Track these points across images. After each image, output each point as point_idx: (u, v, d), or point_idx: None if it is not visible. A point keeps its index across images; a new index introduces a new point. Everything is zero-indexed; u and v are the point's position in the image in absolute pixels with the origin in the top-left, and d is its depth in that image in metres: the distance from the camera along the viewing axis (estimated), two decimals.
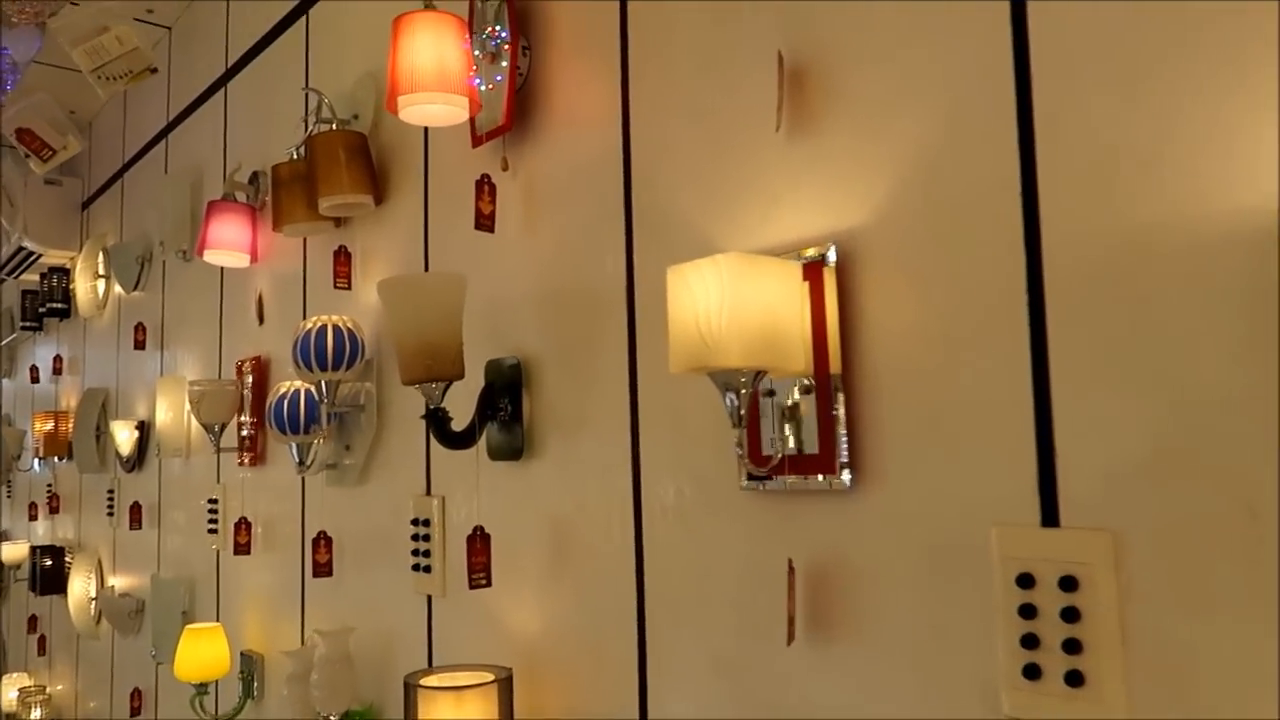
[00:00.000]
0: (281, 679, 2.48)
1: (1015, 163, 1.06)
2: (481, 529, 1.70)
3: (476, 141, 1.84)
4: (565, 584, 1.65)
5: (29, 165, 3.82)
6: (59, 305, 4.77)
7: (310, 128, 2.29)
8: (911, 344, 1.15)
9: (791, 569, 1.23)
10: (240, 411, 2.79)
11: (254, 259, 2.79)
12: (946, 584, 1.10)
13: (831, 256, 1.23)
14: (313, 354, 2.09)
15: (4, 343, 6.13)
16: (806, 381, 1.25)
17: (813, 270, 1.24)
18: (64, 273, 4.78)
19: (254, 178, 2.86)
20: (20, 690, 4.86)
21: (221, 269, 3.08)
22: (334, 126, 2.20)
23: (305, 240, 2.59)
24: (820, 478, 1.22)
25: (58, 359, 4.97)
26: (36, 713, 4.66)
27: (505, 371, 1.77)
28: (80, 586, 4.16)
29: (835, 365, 1.22)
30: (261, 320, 2.81)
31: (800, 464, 1.25)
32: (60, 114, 3.03)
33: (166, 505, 3.48)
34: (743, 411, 1.18)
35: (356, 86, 2.31)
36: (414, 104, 1.68)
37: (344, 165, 2.15)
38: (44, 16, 3.29)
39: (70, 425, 4.67)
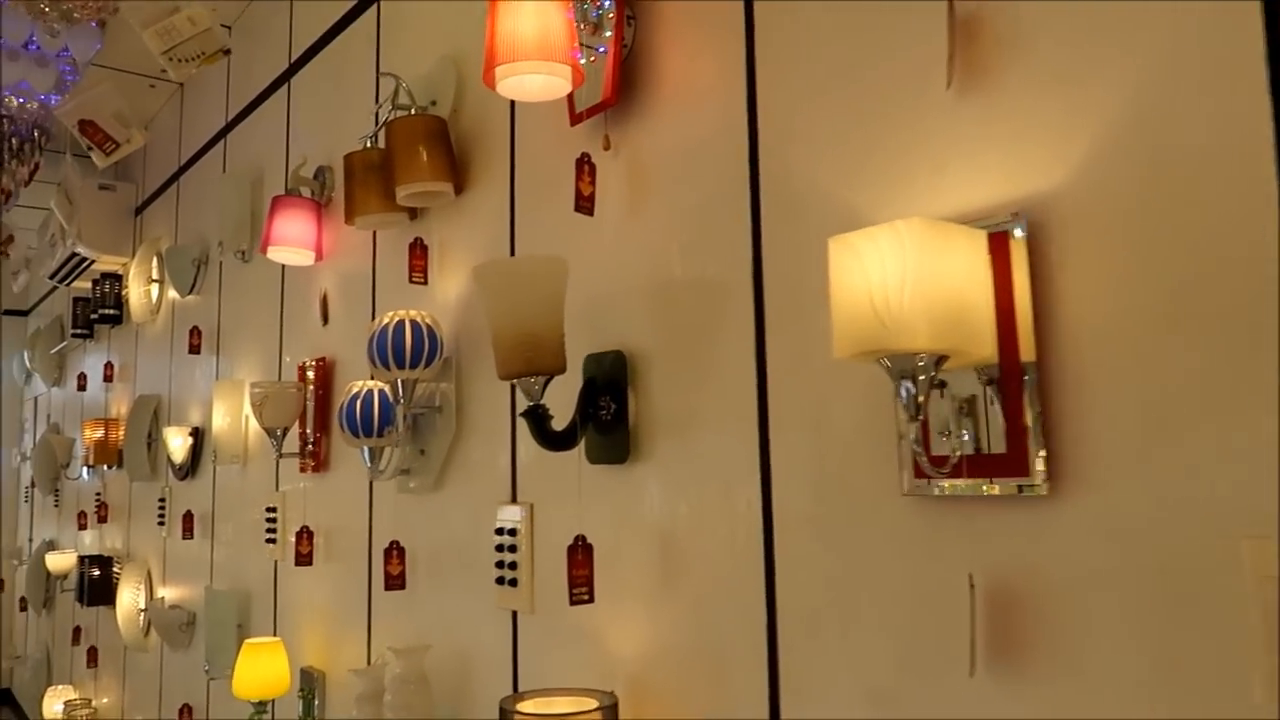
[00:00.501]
0: (345, 698, 2.34)
1: (1266, 106, 0.89)
2: (583, 539, 1.55)
3: (575, 119, 1.70)
4: (677, 601, 1.49)
5: (88, 163, 3.75)
6: (111, 311, 4.71)
7: (387, 114, 2.17)
8: (1127, 327, 0.98)
9: (973, 587, 1.07)
10: (303, 415, 2.66)
11: (319, 256, 2.67)
12: (1180, 608, 0.92)
13: (1019, 228, 1.07)
14: (390, 350, 1.96)
15: (54, 351, 6.10)
16: (986, 371, 1.08)
17: (997, 243, 1.08)
18: (116, 279, 4.72)
19: (319, 173, 2.74)
20: (66, 703, 4.77)
21: (283, 268, 2.97)
22: (412, 111, 2.07)
23: (375, 235, 2.47)
24: (1009, 482, 1.05)
25: (109, 366, 4.91)
26: None
27: (607, 367, 1.62)
28: (129, 598, 4.06)
29: (1026, 351, 1.05)
30: (326, 320, 2.69)
31: (981, 465, 1.08)
32: (124, 106, 2.95)
33: (221, 514, 3.36)
34: (921, 400, 1.02)
35: (435, 71, 2.19)
36: (514, 74, 1.54)
37: (423, 152, 2.02)
38: (106, 13, 3.22)
39: (121, 433, 4.59)
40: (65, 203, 3.64)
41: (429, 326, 2.00)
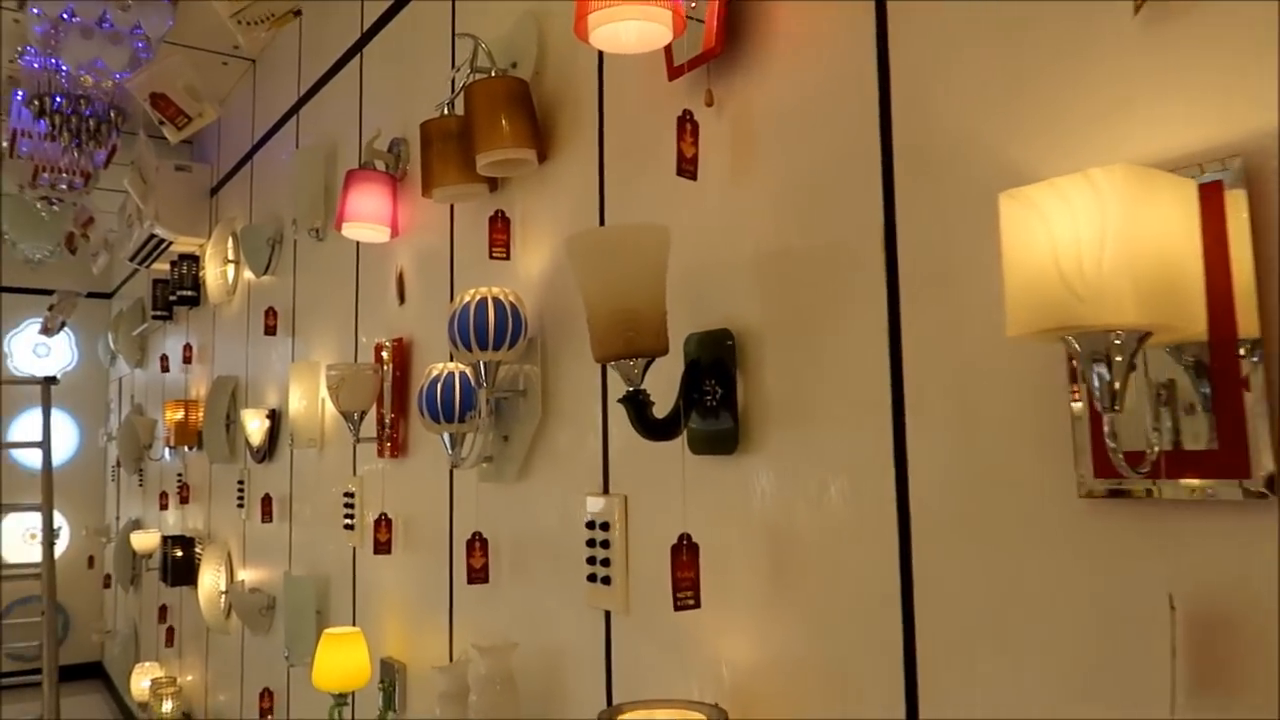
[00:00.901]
0: (426, 692, 2.24)
1: None
2: (688, 538, 1.40)
3: (674, 73, 1.54)
4: (793, 609, 1.33)
5: (164, 145, 3.71)
6: (189, 293, 4.71)
7: (465, 78, 2.04)
8: None
9: (1173, 608, 0.89)
10: (380, 398, 2.56)
11: (394, 233, 2.56)
12: None
13: (1235, 177, 0.88)
14: (471, 331, 1.83)
15: (136, 332, 6.17)
16: (1190, 351, 0.90)
17: (1208, 196, 0.89)
18: (193, 260, 4.72)
19: (394, 145, 2.63)
20: (153, 681, 4.83)
21: (358, 246, 2.87)
22: (492, 74, 1.94)
23: (453, 209, 2.34)
24: (1225, 484, 0.87)
25: (187, 347, 4.93)
26: (168, 705, 4.61)
27: (712, 347, 1.46)
28: (210, 579, 4.06)
29: (1246, 327, 0.87)
30: (402, 299, 2.58)
31: (1184, 463, 0.90)
32: (195, 80, 2.88)
33: (298, 498, 3.31)
34: (1117, 387, 0.85)
35: (515, 29, 2.04)
36: (609, 22, 1.39)
37: (504, 117, 1.88)
38: None
39: (200, 415, 4.59)
40: (140, 182, 3.61)
41: (512, 305, 1.87)
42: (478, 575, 2.03)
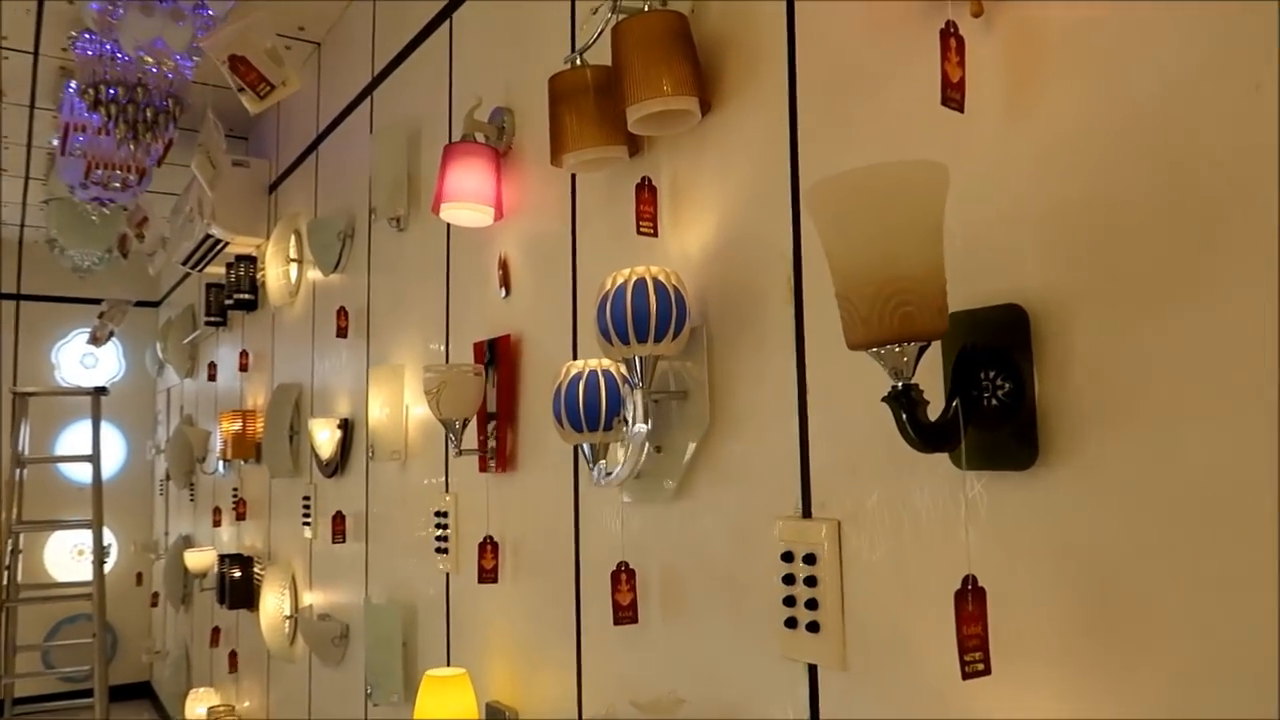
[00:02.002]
0: None
1: None
2: (974, 581, 1.05)
3: None
4: (1131, 678, 0.98)
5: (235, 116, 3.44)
6: (245, 296, 4.44)
7: (602, 20, 1.71)
8: None
9: None
10: (482, 405, 2.24)
11: (499, 214, 2.24)
12: None
13: None
14: (629, 319, 1.50)
15: (187, 340, 5.93)
16: None
17: None
18: (251, 261, 4.45)
19: (496, 115, 2.31)
20: (210, 709, 4.54)
21: (448, 234, 2.56)
22: (645, 8, 1.61)
23: (574, 183, 2.02)
24: None
25: (244, 355, 4.65)
26: None
27: (991, 329, 1.12)
28: (274, 603, 3.76)
29: None
30: (507, 291, 2.26)
31: None
32: (278, 43, 2.58)
33: (377, 517, 2.99)
34: None
35: None
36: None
37: (665, 60, 1.55)
38: None
39: (259, 425, 4.31)
40: (208, 166, 3.34)
41: (675, 288, 1.53)
42: (626, 615, 1.69)
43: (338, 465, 3.25)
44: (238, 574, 4.26)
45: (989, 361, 1.11)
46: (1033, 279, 1.09)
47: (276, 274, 3.89)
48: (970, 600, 1.05)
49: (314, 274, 3.69)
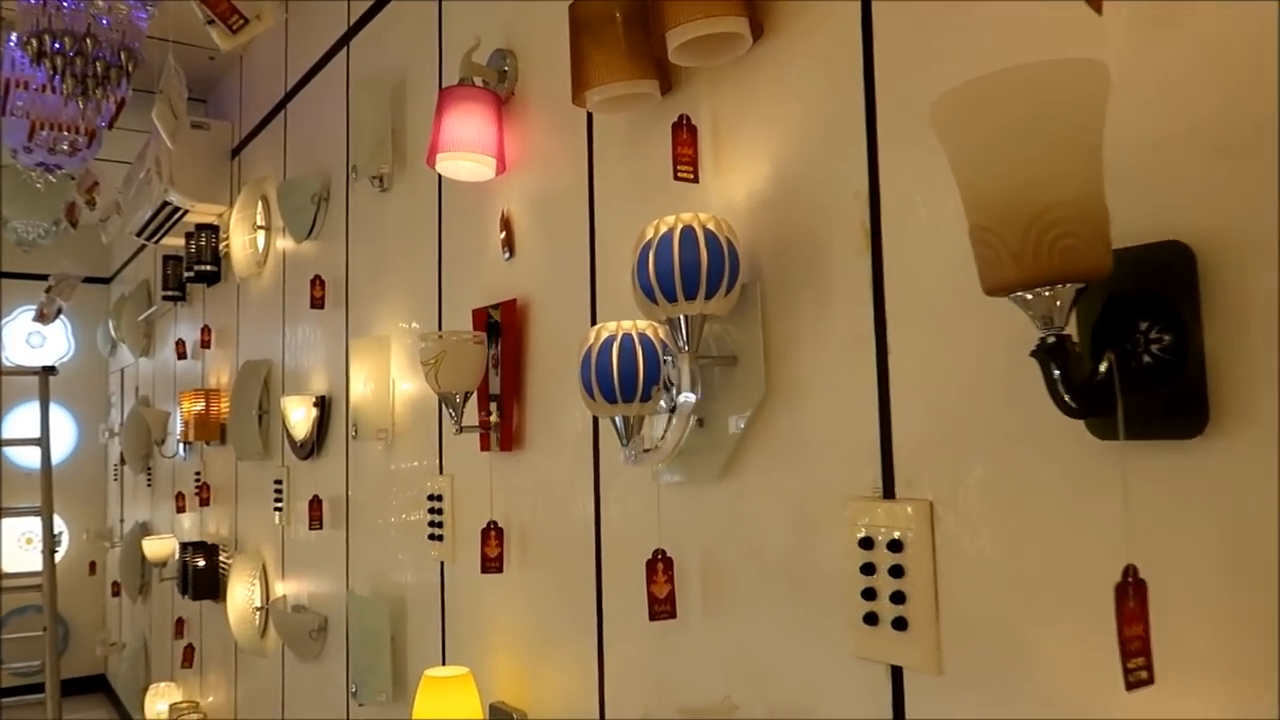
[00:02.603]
0: None
1: None
2: (1134, 573, 0.87)
3: None
4: None
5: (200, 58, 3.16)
6: (207, 268, 4.16)
7: None
8: None
9: None
10: (485, 375, 2.03)
11: (501, 167, 2.03)
12: None
13: None
14: (676, 273, 1.31)
15: (142, 318, 5.61)
16: None
17: None
18: (213, 230, 4.17)
19: (497, 58, 2.09)
20: (171, 706, 4.29)
21: (440, 192, 2.34)
22: None
23: (590, 128, 1.81)
24: None
25: (205, 330, 4.38)
26: None
27: (1146, 272, 0.94)
28: (242, 594, 3.52)
29: None
30: (511, 252, 2.05)
31: None
32: None
33: (359, 502, 2.77)
34: None
35: None
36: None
37: None
38: None
39: (223, 405, 4.05)
40: (169, 116, 3.06)
41: (727, 238, 1.34)
42: (663, 609, 1.50)
43: (314, 446, 3.02)
44: (201, 563, 4.01)
45: (1144, 310, 0.93)
46: (1199, 212, 0.91)
47: (242, 243, 3.63)
48: (1132, 595, 0.87)
49: (284, 242, 3.43)
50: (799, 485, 1.34)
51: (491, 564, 1.99)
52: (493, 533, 2.00)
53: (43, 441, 4.99)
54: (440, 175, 2.32)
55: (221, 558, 4.03)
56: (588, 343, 1.47)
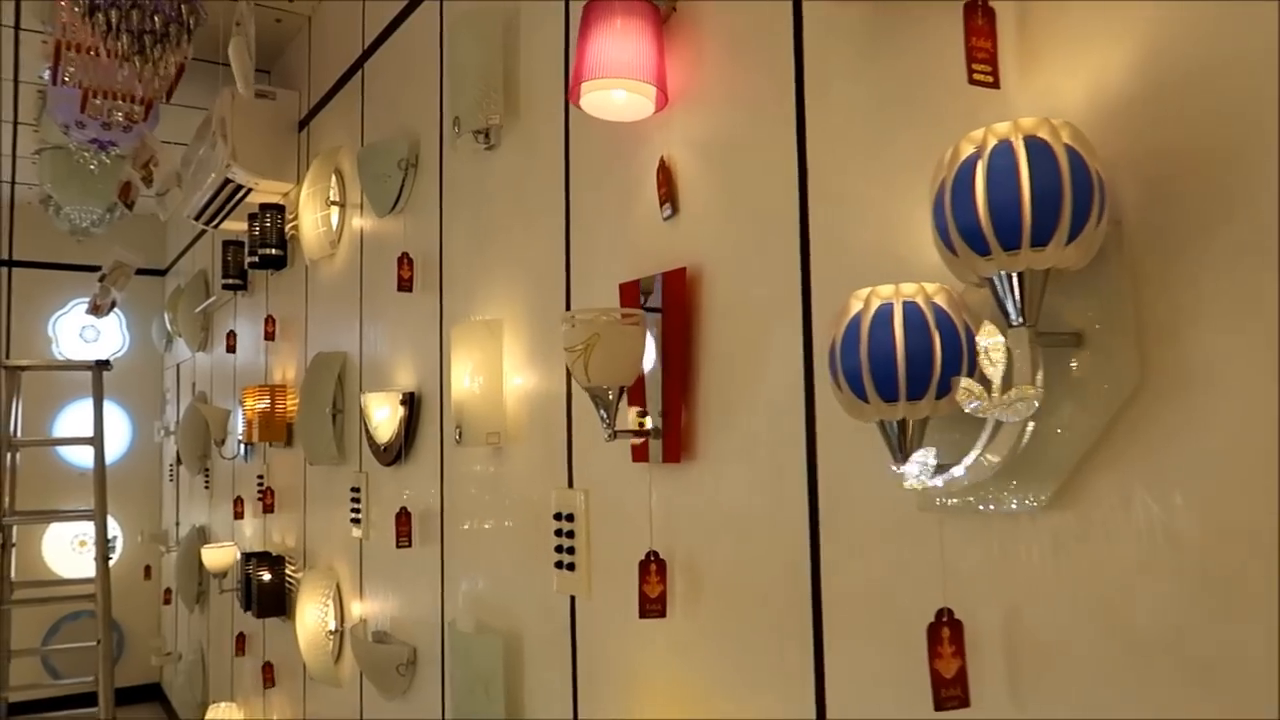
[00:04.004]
0: None
1: None
2: None
3: None
4: None
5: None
6: (273, 252, 3.78)
7: None
8: None
9: None
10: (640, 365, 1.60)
11: (662, 100, 1.59)
12: None
13: None
14: (1025, 205, 0.87)
15: (199, 309, 5.28)
16: None
17: None
18: (278, 211, 3.79)
19: None
20: None
21: (566, 138, 1.91)
22: None
23: (798, 35, 1.37)
24: None
25: (269, 321, 4.00)
26: None
27: None
28: (314, 614, 3.14)
29: None
30: (673, 209, 1.61)
31: None
32: None
33: (459, 516, 2.36)
34: None
35: None
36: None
37: None
38: None
39: (291, 402, 3.67)
40: (245, 54, 2.68)
41: (1086, 153, 0.89)
42: (952, 695, 1.05)
43: (401, 450, 2.61)
44: (267, 576, 3.64)
45: None
46: None
47: (313, 221, 3.24)
48: None
49: (361, 220, 3.04)
50: (1197, 524, 0.89)
51: (652, 607, 1.56)
52: (653, 566, 1.57)
53: (96, 440, 4.66)
54: (568, 121, 1.90)
55: (288, 570, 3.66)
56: (849, 314, 1.03)
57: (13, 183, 5.97)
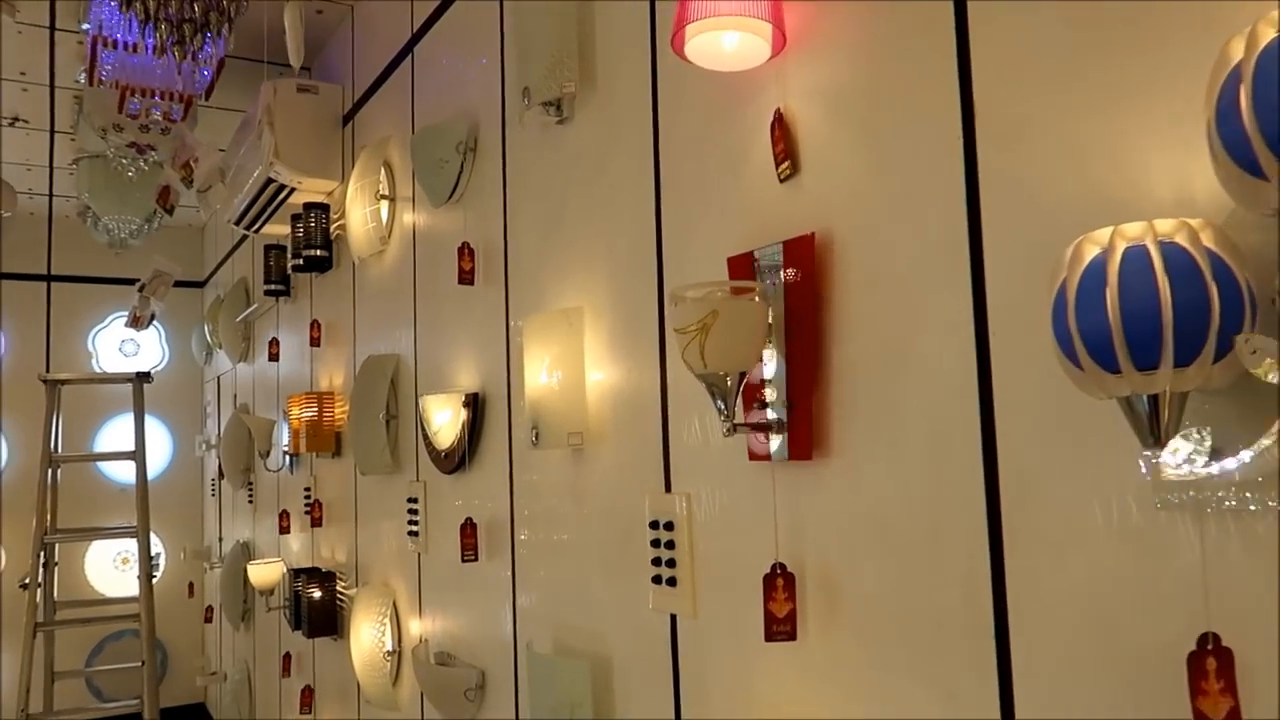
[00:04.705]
0: None
1: None
2: None
3: None
4: None
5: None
6: (318, 253, 3.61)
7: None
8: None
9: None
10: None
11: (780, 42, 1.38)
12: None
13: None
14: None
15: (240, 318, 5.14)
16: None
17: None
18: (323, 211, 3.62)
19: None
20: None
21: (654, 97, 1.71)
22: None
23: None
24: None
25: (314, 326, 3.84)
26: None
27: None
28: (370, 634, 2.95)
29: None
30: (793, 167, 1.40)
31: None
32: None
33: (533, 527, 2.15)
34: None
35: None
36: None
37: None
38: None
39: (340, 410, 3.50)
40: (298, 19, 2.51)
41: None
42: None
43: (464, 456, 2.42)
44: (317, 594, 3.46)
45: None
46: None
47: (361, 217, 3.07)
48: None
49: (412, 214, 2.86)
50: None
51: (780, 628, 1.34)
52: (780, 581, 1.35)
53: (138, 455, 4.52)
54: (655, 83, 1.70)
55: (339, 587, 3.47)
56: (1082, 262, 0.81)
57: (50, 195, 5.88)
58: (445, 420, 2.45)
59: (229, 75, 3.53)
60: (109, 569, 6.44)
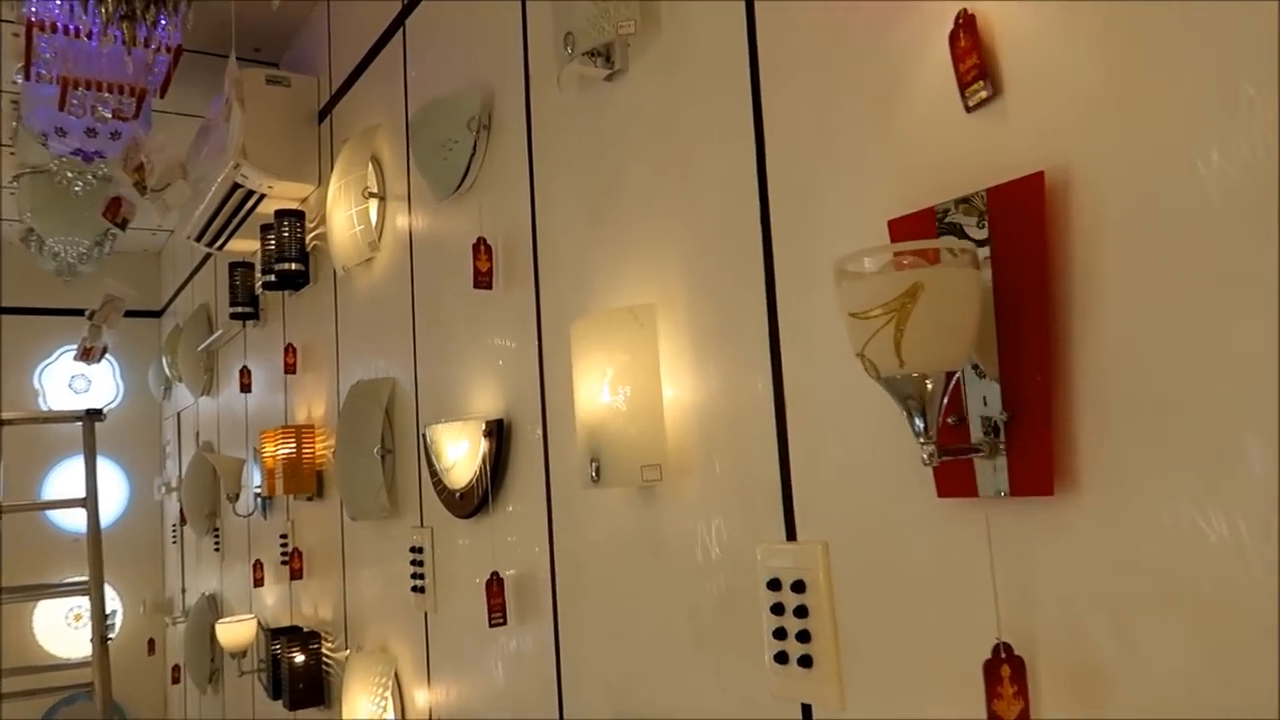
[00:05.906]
0: None
1: None
2: None
3: None
4: None
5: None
6: (291, 267, 3.17)
7: None
8: None
9: None
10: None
11: None
12: None
13: None
14: None
15: (202, 347, 4.66)
16: None
17: None
18: (297, 218, 3.19)
19: None
20: None
21: (749, 21, 1.31)
22: None
23: None
24: None
25: (289, 350, 3.39)
26: None
27: None
28: (367, 707, 2.49)
29: None
30: (992, 88, 1.00)
31: None
32: None
33: (582, 585, 1.72)
34: None
35: None
36: None
37: None
38: None
39: (323, 445, 3.05)
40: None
41: None
42: None
43: (485, 497, 1.99)
44: (300, 658, 2.99)
45: None
46: None
47: (345, 221, 2.64)
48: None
49: (407, 216, 2.44)
50: None
51: None
52: (1005, 666, 0.94)
53: (90, 501, 4.01)
54: (751, 3, 1.30)
55: (326, 649, 3.01)
56: None
57: None
58: (461, 454, 2.02)
59: (188, 72, 3.11)
60: (60, 626, 5.88)
